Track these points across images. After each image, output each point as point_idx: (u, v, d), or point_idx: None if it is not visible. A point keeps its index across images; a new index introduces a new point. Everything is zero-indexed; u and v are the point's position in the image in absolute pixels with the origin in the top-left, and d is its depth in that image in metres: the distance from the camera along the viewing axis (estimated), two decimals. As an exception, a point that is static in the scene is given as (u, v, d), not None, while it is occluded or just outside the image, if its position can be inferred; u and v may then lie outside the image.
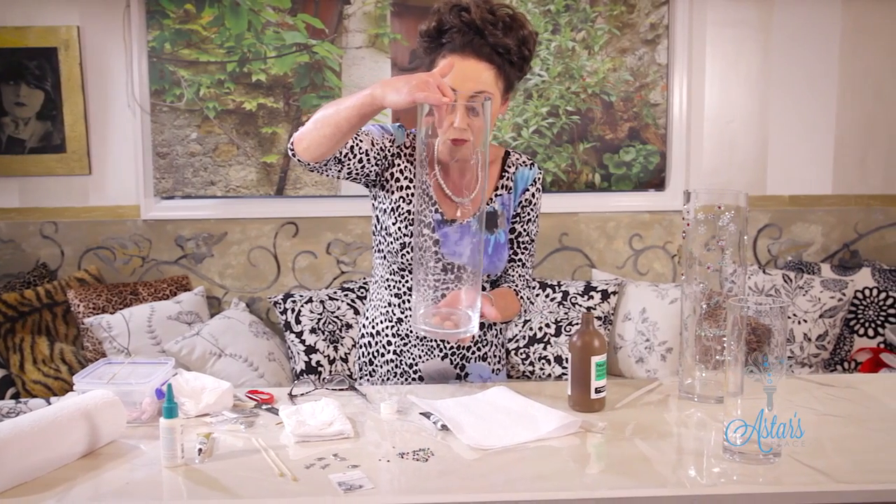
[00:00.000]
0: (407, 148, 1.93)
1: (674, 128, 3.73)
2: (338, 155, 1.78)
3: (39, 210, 3.62)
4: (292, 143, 1.76)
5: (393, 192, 1.89)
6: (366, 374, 2.01)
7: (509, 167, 1.98)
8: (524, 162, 2.00)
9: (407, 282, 1.92)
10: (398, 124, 1.95)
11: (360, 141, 1.82)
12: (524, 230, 1.98)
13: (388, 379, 1.97)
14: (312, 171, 1.81)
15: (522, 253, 1.99)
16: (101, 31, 3.55)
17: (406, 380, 1.96)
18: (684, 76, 3.70)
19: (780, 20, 3.70)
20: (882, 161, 3.80)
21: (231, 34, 3.54)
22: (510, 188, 1.97)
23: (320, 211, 3.68)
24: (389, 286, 1.95)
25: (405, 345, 1.96)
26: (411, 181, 1.90)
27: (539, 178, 2.00)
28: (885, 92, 3.76)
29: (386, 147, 1.88)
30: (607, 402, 1.74)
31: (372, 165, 1.86)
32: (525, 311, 2.03)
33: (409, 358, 1.96)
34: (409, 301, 1.93)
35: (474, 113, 1.75)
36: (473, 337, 1.72)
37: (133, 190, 3.63)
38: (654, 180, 3.73)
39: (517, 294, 1.98)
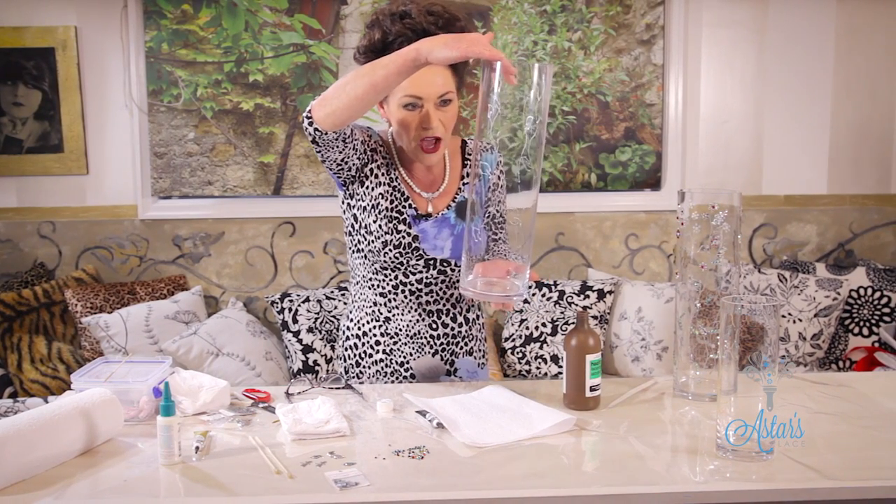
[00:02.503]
0: (379, 146, 1.93)
1: (669, 128, 3.74)
2: (345, 131, 1.76)
3: (37, 210, 3.63)
4: (310, 111, 1.70)
5: (372, 189, 1.90)
6: (353, 376, 2.00)
7: (469, 155, 1.99)
8: (485, 147, 1.94)
9: (392, 279, 1.92)
10: (370, 129, 1.94)
11: (353, 129, 1.83)
12: (497, 210, 2.00)
13: (377, 379, 1.97)
14: (317, 144, 1.76)
15: (501, 231, 2.01)
16: (98, 31, 3.55)
17: (397, 378, 1.97)
18: (680, 76, 3.71)
19: (775, 21, 3.72)
20: (877, 161, 3.82)
21: (228, 34, 3.55)
22: (479, 175, 1.95)
23: (317, 210, 3.69)
24: (373, 286, 1.95)
25: (395, 343, 1.96)
26: (382, 178, 1.91)
27: (501, 160, 1.98)
28: (880, 92, 3.78)
29: (366, 141, 1.89)
30: (602, 401, 1.75)
31: (359, 155, 1.87)
32: None
33: (400, 356, 1.96)
34: (395, 299, 1.94)
35: (444, 103, 1.81)
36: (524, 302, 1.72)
37: (130, 190, 3.64)
38: (650, 180, 3.75)
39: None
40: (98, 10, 3.54)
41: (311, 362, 3.35)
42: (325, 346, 3.39)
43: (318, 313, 3.44)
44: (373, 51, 1.80)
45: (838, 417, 1.67)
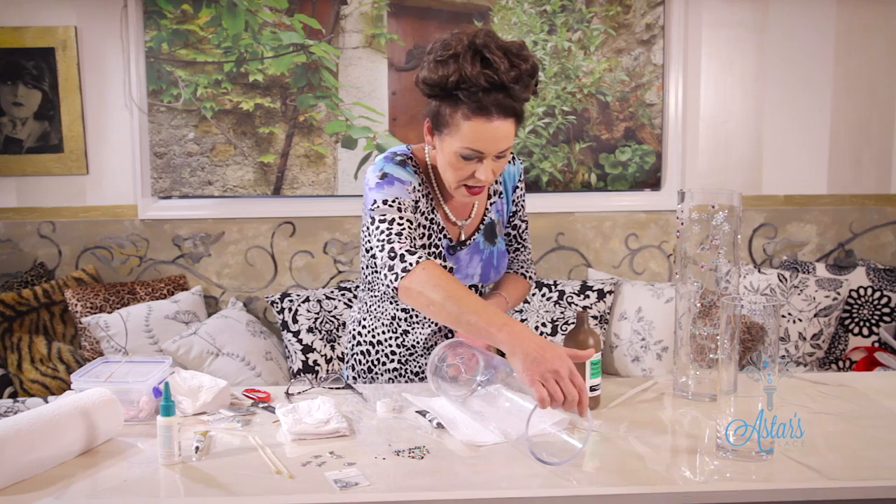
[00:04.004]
0: (417, 177, 1.82)
1: (669, 128, 3.74)
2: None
3: (37, 210, 3.63)
4: (399, 289, 1.67)
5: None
6: (366, 382, 2.00)
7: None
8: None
9: None
10: (400, 160, 1.81)
11: (417, 227, 1.78)
12: (521, 220, 2.05)
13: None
14: None
15: (524, 241, 2.07)
16: (98, 31, 3.55)
17: None
18: (680, 76, 3.71)
19: (775, 20, 3.72)
20: (876, 161, 3.82)
21: (228, 34, 3.55)
22: (501, 192, 1.98)
23: (317, 210, 3.69)
24: (396, 302, 1.92)
25: (411, 355, 1.95)
26: (422, 212, 1.83)
27: (522, 171, 2.03)
28: (880, 92, 3.78)
29: (413, 199, 1.79)
30: (602, 401, 1.75)
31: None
32: (532, 283, 2.09)
33: (416, 367, 1.95)
34: (417, 316, 1.92)
35: (499, 157, 1.71)
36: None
37: (130, 190, 3.64)
38: (650, 180, 3.75)
39: (525, 276, 2.05)
40: (98, 10, 3.54)
41: (311, 362, 3.35)
42: (325, 346, 3.39)
43: (318, 313, 3.44)
44: (443, 88, 1.66)
45: (838, 417, 1.67)
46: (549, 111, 3.68)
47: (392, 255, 1.69)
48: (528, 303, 3.56)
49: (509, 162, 1.99)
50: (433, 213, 1.86)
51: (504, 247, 1.98)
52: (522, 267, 2.06)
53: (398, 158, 1.81)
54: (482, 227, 1.93)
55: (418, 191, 1.81)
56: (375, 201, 1.75)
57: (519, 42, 1.68)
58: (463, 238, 1.91)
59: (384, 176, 1.77)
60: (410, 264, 1.66)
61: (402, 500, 1.34)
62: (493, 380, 1.63)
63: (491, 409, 1.60)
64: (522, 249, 2.07)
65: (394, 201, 1.74)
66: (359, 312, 2.02)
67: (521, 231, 2.05)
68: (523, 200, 2.04)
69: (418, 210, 1.82)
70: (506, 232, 2.03)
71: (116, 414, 1.58)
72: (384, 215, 1.73)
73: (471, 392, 1.64)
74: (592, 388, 1.71)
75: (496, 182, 1.97)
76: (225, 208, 3.67)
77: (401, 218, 1.72)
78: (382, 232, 1.72)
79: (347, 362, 2.04)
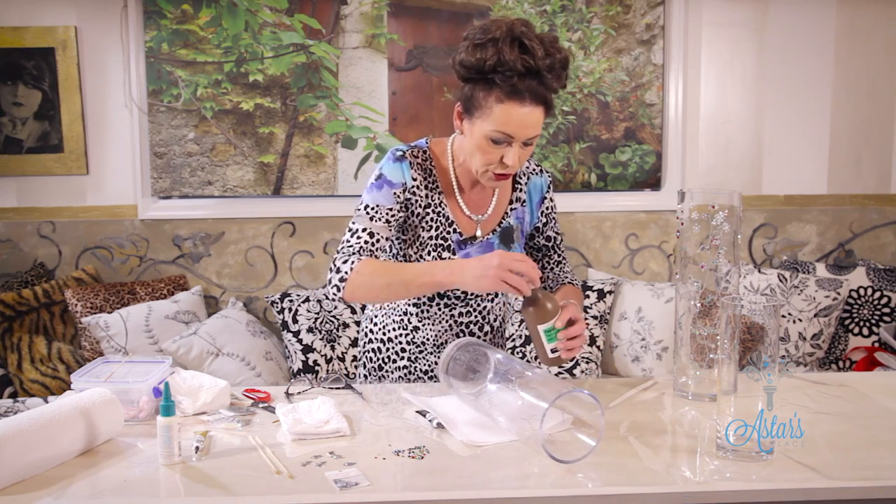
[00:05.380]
0: (418, 174, 1.86)
1: (669, 128, 3.74)
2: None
3: (37, 210, 3.63)
4: (341, 292, 1.78)
5: (415, 227, 1.88)
6: (374, 380, 2.00)
7: (521, 178, 1.98)
8: (533, 170, 2.00)
9: (429, 295, 1.92)
10: (399, 156, 1.85)
11: (388, 235, 1.84)
12: (555, 233, 2.05)
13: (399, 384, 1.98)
14: None
15: (562, 251, 2.07)
16: (98, 31, 3.55)
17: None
18: (680, 76, 3.71)
19: (775, 20, 3.72)
20: (876, 161, 3.82)
21: (228, 34, 3.55)
22: (524, 200, 1.98)
23: (317, 210, 3.69)
24: (408, 298, 1.94)
25: (420, 352, 1.95)
26: (426, 207, 1.87)
27: (551, 182, 2.03)
28: (880, 92, 3.78)
29: (401, 201, 1.84)
30: (602, 401, 1.75)
31: (398, 225, 1.88)
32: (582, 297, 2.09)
33: (425, 365, 1.95)
34: (428, 311, 1.93)
35: (527, 144, 1.75)
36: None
37: (130, 190, 3.64)
38: (650, 180, 3.75)
39: (574, 284, 2.04)
40: (98, 10, 3.54)
41: (311, 362, 3.35)
42: (325, 346, 3.39)
43: (318, 313, 3.44)
44: (479, 70, 1.70)
45: (838, 417, 1.67)
46: (549, 111, 3.67)
47: (332, 268, 1.80)
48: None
49: (536, 174, 2.00)
50: (442, 206, 1.87)
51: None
52: (567, 276, 2.04)
53: (398, 154, 1.86)
54: (499, 228, 1.93)
55: (415, 187, 1.84)
56: (361, 202, 1.85)
57: (553, 35, 1.73)
58: (478, 234, 1.91)
59: (378, 177, 1.85)
60: (346, 273, 1.77)
61: (402, 500, 1.34)
62: (505, 378, 1.63)
63: (503, 407, 1.60)
64: (564, 262, 2.06)
65: (372, 209, 1.82)
66: (371, 309, 2.04)
67: (557, 244, 2.05)
68: (555, 214, 2.04)
69: (411, 208, 1.85)
70: (541, 245, 2.03)
71: (116, 414, 1.57)
72: (354, 223, 1.83)
73: (482, 390, 1.64)
74: (553, 351, 1.73)
75: (519, 189, 1.96)
76: (225, 208, 3.67)
77: (363, 230, 1.81)
78: (343, 241, 1.83)
79: (360, 360, 2.05)
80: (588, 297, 3.55)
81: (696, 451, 1.52)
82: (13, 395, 3.14)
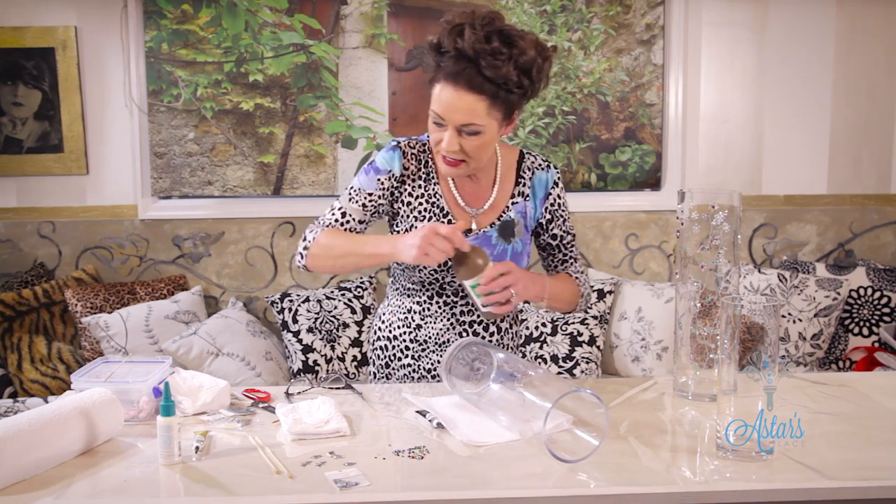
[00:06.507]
0: (411, 163, 1.89)
1: (669, 128, 3.74)
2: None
3: (37, 210, 3.63)
4: (304, 259, 1.87)
5: (407, 217, 1.89)
6: (382, 378, 2.01)
7: (525, 172, 1.95)
8: (540, 165, 1.96)
9: (428, 292, 1.92)
10: (393, 145, 1.90)
11: (362, 218, 1.88)
12: (564, 231, 1.99)
13: (404, 382, 1.98)
14: None
15: (570, 251, 2.02)
16: (98, 31, 3.55)
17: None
18: (680, 76, 3.71)
19: (775, 20, 3.72)
20: (876, 161, 3.82)
21: (228, 34, 3.55)
22: (527, 195, 1.94)
23: (317, 210, 3.65)
24: (410, 295, 1.95)
25: (423, 350, 1.95)
26: (419, 197, 1.89)
27: (559, 178, 1.97)
28: (880, 92, 3.78)
29: (385, 188, 1.88)
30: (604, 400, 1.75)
31: (383, 212, 1.91)
32: (586, 299, 2.02)
33: (428, 363, 1.96)
34: (429, 309, 1.93)
35: (468, 133, 1.73)
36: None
37: (130, 190, 3.64)
38: (650, 180, 3.75)
39: (576, 280, 2.00)
40: (98, 10, 3.54)
41: (311, 362, 3.35)
42: (325, 346, 3.39)
43: (318, 313, 3.44)
44: (431, 51, 1.74)
45: (838, 417, 1.67)
46: (549, 111, 3.68)
47: (302, 239, 1.89)
48: (528, 303, 3.55)
49: (542, 169, 1.96)
50: (436, 196, 1.89)
51: (522, 248, 1.93)
52: (572, 276, 2.00)
53: (394, 143, 1.91)
54: (498, 221, 1.91)
55: (405, 176, 1.89)
56: (350, 184, 1.92)
57: (521, 31, 1.72)
58: (474, 227, 1.90)
59: (371, 162, 1.91)
60: (309, 242, 1.86)
61: (402, 500, 1.35)
62: (508, 377, 1.63)
63: (506, 407, 1.60)
64: (571, 262, 2.02)
65: (355, 191, 1.89)
66: (382, 307, 2.05)
67: (565, 243, 1.99)
68: (563, 211, 1.98)
69: (400, 196, 1.89)
70: (545, 243, 1.99)
71: (116, 414, 1.57)
72: (333, 203, 1.91)
73: (485, 390, 1.64)
74: (485, 305, 1.76)
75: (522, 183, 1.94)
76: (225, 208, 3.67)
77: (339, 209, 1.89)
78: (320, 216, 1.91)
79: (370, 357, 2.06)
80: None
81: (696, 451, 1.52)
82: (13, 395, 3.14)
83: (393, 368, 1.99)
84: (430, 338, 1.94)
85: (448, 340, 1.94)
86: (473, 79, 1.68)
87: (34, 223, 3.63)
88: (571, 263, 2.02)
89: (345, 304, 3.49)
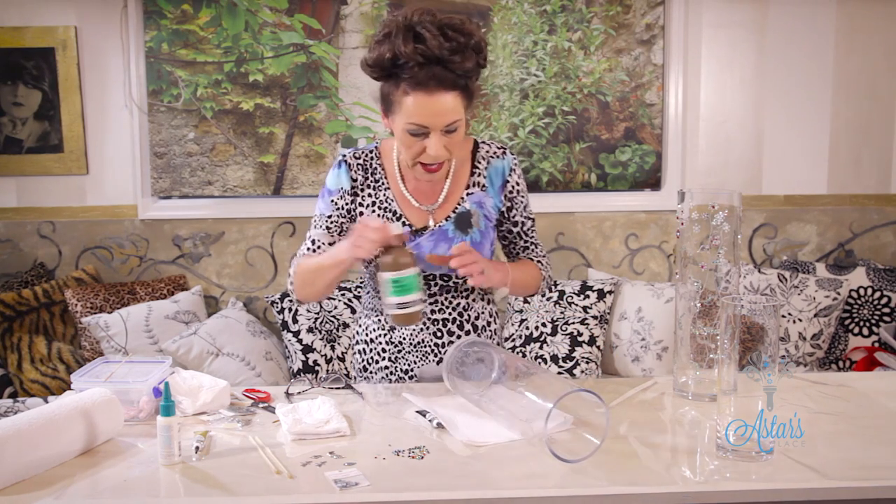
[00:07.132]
0: (358, 174, 1.91)
1: (669, 128, 3.74)
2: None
3: (37, 210, 3.63)
4: (294, 295, 1.92)
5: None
6: (362, 381, 2.01)
7: (479, 162, 1.93)
8: (494, 153, 1.94)
9: None
10: (338, 161, 1.94)
11: (330, 241, 1.91)
12: (524, 217, 1.98)
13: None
14: None
15: (531, 236, 2.01)
16: (98, 31, 3.55)
17: None
18: (680, 76, 3.71)
19: (775, 21, 3.72)
20: (876, 161, 3.82)
21: (228, 34, 3.55)
22: (483, 185, 1.92)
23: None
24: (381, 296, 1.95)
25: (399, 352, 1.96)
26: (371, 205, 1.91)
27: (516, 164, 1.95)
28: (880, 92, 3.78)
29: (340, 206, 1.92)
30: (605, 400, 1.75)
31: (347, 229, 1.92)
32: (548, 282, 2.03)
33: (405, 364, 1.96)
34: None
35: (449, 131, 1.74)
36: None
37: (130, 190, 3.64)
38: (650, 180, 3.75)
39: (534, 261, 2.00)
40: (98, 10, 3.54)
41: (311, 362, 3.35)
42: (325, 346, 3.39)
43: (318, 313, 3.44)
44: (382, 68, 1.72)
45: (838, 417, 1.67)
46: (549, 111, 3.68)
47: (287, 276, 1.95)
48: (528, 303, 3.55)
49: (497, 157, 1.94)
50: (388, 201, 1.90)
51: (481, 239, 1.91)
52: (533, 260, 2.00)
53: (338, 160, 1.94)
54: (453, 214, 1.90)
55: (356, 189, 1.91)
56: (314, 211, 1.98)
57: (459, 18, 1.72)
58: (431, 224, 1.89)
59: (324, 185, 1.96)
60: (291, 278, 1.91)
61: (402, 500, 1.35)
62: (509, 378, 1.63)
63: (507, 407, 1.60)
64: (532, 248, 2.00)
65: (318, 217, 1.94)
66: (359, 312, 2.07)
67: (525, 229, 1.98)
68: (522, 197, 1.96)
69: (358, 209, 1.91)
70: (506, 230, 1.98)
71: (116, 414, 1.58)
72: (307, 234, 1.96)
73: (486, 390, 1.64)
74: (399, 305, 1.72)
75: (477, 174, 1.92)
76: (225, 208, 3.67)
77: (309, 237, 1.93)
78: (299, 248, 1.96)
79: (350, 361, 2.06)
80: (588, 297, 3.55)
81: (696, 451, 1.52)
82: (13, 395, 3.14)
83: (371, 371, 1.99)
84: (404, 339, 1.95)
85: (422, 341, 1.94)
86: (444, 78, 1.69)
87: (34, 223, 3.63)
88: (533, 249, 2.01)
89: (345, 304, 3.49)
